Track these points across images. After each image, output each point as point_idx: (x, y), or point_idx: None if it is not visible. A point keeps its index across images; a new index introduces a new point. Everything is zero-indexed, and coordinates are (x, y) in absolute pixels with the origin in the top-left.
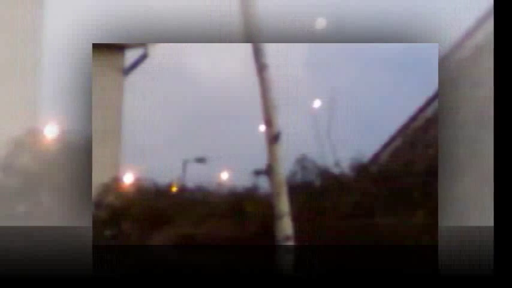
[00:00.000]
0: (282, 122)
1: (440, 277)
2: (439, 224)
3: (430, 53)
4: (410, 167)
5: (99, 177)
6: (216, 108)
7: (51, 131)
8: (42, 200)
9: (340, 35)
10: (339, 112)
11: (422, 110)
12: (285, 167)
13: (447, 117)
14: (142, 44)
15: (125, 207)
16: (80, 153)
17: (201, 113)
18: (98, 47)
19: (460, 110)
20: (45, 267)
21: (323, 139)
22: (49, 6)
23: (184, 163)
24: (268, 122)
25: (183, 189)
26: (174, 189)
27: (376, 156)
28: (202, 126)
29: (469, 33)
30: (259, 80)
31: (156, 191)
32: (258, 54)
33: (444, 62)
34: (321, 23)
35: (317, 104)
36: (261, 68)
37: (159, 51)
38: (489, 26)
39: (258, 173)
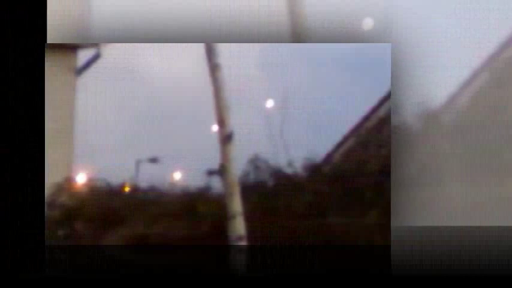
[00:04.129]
0: (234, 122)
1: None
2: (489, 225)
3: (383, 53)
4: (363, 167)
5: (51, 177)
6: (169, 108)
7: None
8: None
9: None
10: (292, 112)
11: (375, 110)
12: (238, 167)
13: (493, 118)
14: (95, 44)
15: (77, 207)
16: None
17: (154, 113)
18: (51, 47)
19: (507, 109)
20: None
21: (276, 139)
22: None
23: (137, 163)
24: (221, 122)
25: (135, 189)
26: (127, 189)
27: (329, 156)
28: (155, 126)
29: None
30: (212, 80)
31: (109, 191)
32: (210, 55)
33: (491, 61)
34: (368, 24)
35: (270, 103)
36: (214, 68)
37: (112, 51)
38: None
39: (210, 173)
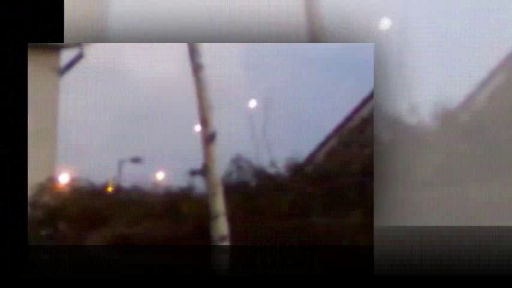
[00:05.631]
0: (217, 122)
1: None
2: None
3: (366, 53)
4: (346, 166)
5: (34, 177)
6: (151, 108)
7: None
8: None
9: None
10: (275, 112)
11: (358, 110)
12: (221, 167)
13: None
14: (78, 44)
15: (60, 207)
16: None
17: (137, 112)
18: (33, 47)
19: None
20: None
21: (259, 139)
22: None
23: (120, 163)
24: (204, 122)
25: (118, 189)
26: (110, 189)
27: (312, 156)
28: (138, 126)
29: None
30: (195, 80)
31: (91, 191)
32: (193, 54)
33: (508, 61)
34: (385, 24)
35: (252, 104)
36: (197, 68)
37: (95, 51)
38: None
39: (193, 173)
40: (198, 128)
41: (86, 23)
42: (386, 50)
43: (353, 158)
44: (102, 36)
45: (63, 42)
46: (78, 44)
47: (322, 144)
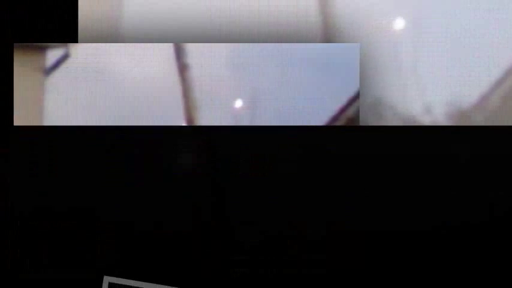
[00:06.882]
0: (203, 122)
1: None
2: None
3: (352, 53)
4: None
5: None
6: (137, 108)
7: None
8: None
9: None
10: (261, 112)
11: (343, 109)
12: None
13: None
14: (64, 44)
15: None
16: None
17: (123, 112)
18: (19, 47)
19: None
20: None
21: None
22: None
23: None
24: (190, 122)
25: None
26: None
27: None
28: (123, 126)
29: None
30: (181, 80)
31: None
32: (179, 54)
33: None
34: (399, 23)
35: (238, 104)
36: (183, 68)
37: (81, 51)
38: None
39: None
40: None
41: (100, 23)
42: (398, 49)
43: None
44: (115, 36)
45: (77, 42)
46: (64, 44)
47: None
